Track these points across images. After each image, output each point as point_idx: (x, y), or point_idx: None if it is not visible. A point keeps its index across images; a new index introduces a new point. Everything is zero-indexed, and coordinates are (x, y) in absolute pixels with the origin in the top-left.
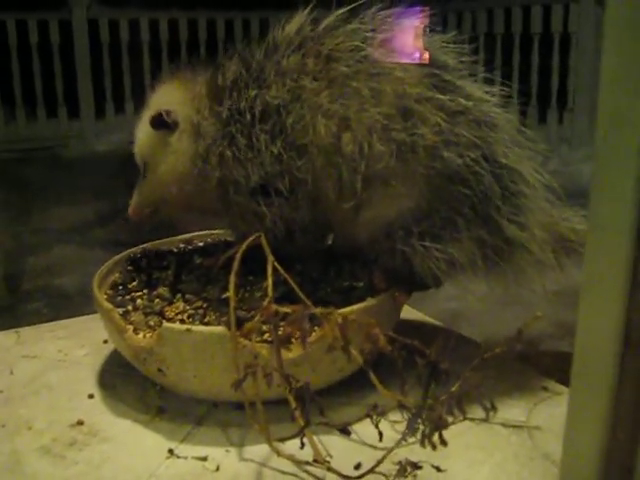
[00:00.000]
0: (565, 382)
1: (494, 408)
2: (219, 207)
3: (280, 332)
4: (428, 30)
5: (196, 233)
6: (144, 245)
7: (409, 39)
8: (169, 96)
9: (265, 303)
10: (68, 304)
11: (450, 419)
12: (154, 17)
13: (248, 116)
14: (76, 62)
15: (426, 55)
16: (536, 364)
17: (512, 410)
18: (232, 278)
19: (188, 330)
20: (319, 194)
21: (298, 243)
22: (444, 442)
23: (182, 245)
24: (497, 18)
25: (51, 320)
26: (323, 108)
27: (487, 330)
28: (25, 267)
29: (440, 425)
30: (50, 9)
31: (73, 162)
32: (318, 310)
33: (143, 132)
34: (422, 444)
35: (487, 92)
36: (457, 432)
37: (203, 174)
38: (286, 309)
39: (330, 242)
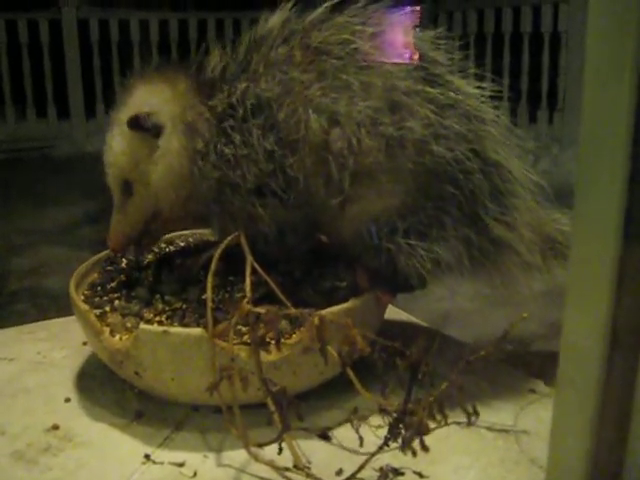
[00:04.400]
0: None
1: (476, 412)
2: (213, 209)
3: (259, 334)
4: (418, 28)
5: (177, 233)
6: None
7: (399, 33)
8: (149, 96)
9: (241, 303)
10: (55, 305)
11: (432, 424)
12: (144, 17)
13: (241, 110)
14: (66, 62)
15: (416, 50)
16: (528, 365)
17: (499, 414)
18: (209, 278)
19: (165, 332)
20: (309, 192)
21: (289, 244)
22: (425, 448)
23: (163, 245)
24: (487, 18)
25: (37, 321)
26: (314, 102)
27: (477, 331)
28: (12, 268)
29: (421, 430)
30: (40, 9)
31: (62, 162)
32: (293, 311)
33: (121, 143)
34: (402, 450)
35: (477, 87)
36: (442, 436)
37: (203, 173)
38: (260, 310)
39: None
